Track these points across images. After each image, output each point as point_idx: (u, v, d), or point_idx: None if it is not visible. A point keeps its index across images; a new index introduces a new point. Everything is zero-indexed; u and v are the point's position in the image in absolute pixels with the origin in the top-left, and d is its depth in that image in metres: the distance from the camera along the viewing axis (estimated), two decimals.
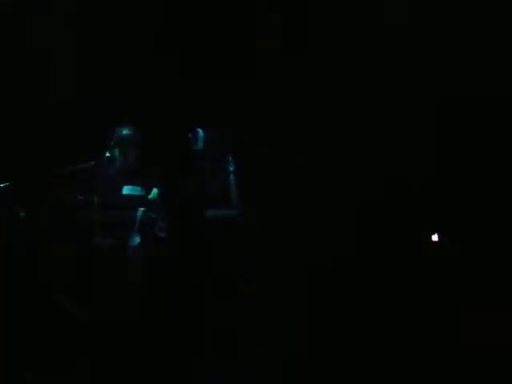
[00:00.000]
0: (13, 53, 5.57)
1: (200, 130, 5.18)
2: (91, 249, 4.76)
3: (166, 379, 4.70)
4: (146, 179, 4.91)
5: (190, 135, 5.17)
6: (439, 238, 5.53)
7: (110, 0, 5.68)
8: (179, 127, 5.70)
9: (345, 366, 4.93)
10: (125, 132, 4.94)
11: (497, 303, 5.11)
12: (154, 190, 4.86)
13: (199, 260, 5.02)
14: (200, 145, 5.14)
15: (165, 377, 4.69)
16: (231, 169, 5.09)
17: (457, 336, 5.08)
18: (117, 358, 4.58)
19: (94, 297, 4.69)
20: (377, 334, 5.15)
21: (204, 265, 4.98)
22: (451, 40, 5.40)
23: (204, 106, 5.73)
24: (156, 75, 5.72)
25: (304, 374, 4.80)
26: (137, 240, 4.78)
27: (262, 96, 5.66)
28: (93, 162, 4.72)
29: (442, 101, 5.51)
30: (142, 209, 4.83)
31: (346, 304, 5.35)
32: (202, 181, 5.09)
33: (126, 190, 4.88)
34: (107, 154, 4.82)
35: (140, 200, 4.85)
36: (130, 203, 4.84)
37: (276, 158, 5.48)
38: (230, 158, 5.09)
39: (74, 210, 4.82)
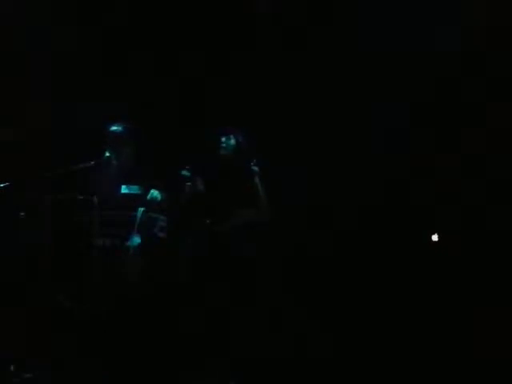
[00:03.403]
0: (13, 52, 5.58)
1: (232, 137, 5.05)
2: (91, 249, 4.75)
3: (165, 379, 4.71)
4: (144, 178, 4.87)
5: (223, 139, 5.05)
6: (439, 237, 5.54)
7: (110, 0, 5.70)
8: (178, 127, 5.72)
9: (344, 366, 4.95)
10: (113, 128, 4.88)
11: (496, 303, 5.12)
12: (152, 191, 4.83)
13: (200, 261, 5.02)
14: (229, 150, 5.03)
15: (164, 377, 4.70)
16: (256, 170, 4.99)
17: (455, 336, 5.09)
18: (116, 358, 4.59)
19: (93, 297, 4.70)
20: (376, 335, 5.16)
21: (205, 265, 4.99)
22: (451, 39, 5.41)
23: (203, 105, 5.76)
24: (156, 75, 5.73)
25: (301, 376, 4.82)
26: (137, 240, 4.78)
27: (261, 96, 5.67)
28: (93, 162, 4.71)
29: (442, 100, 5.52)
30: (142, 209, 4.83)
31: (347, 305, 5.36)
32: (230, 183, 5.02)
33: (124, 189, 4.86)
34: (107, 154, 4.81)
35: (140, 200, 4.84)
36: (130, 203, 4.83)
37: (275, 158, 5.49)
38: (255, 161, 5.02)
39: (73, 209, 4.82)
